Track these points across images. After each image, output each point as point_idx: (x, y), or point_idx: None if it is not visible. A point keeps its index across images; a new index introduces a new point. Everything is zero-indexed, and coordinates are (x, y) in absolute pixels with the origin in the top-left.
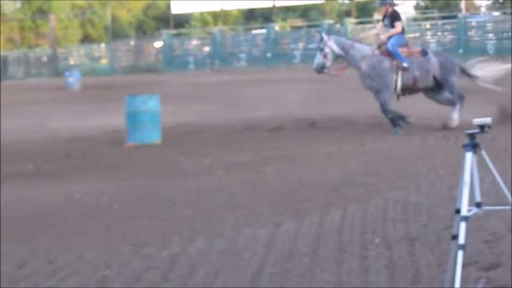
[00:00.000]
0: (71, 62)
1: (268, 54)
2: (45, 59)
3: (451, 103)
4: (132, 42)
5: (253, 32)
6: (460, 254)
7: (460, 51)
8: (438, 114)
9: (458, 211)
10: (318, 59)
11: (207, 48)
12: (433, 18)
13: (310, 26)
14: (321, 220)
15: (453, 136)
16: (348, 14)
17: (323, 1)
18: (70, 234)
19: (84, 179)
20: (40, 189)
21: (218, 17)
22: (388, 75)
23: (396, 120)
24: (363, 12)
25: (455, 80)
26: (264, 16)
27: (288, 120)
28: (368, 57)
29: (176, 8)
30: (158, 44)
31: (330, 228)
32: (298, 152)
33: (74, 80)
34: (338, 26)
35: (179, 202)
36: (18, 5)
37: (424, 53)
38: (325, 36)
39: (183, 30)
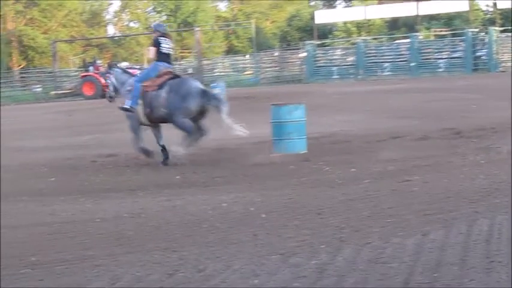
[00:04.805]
0: (216, 73)
1: (412, 64)
2: (190, 70)
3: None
4: (276, 53)
5: (397, 41)
6: None
7: None
8: None
9: None
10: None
11: (351, 58)
12: None
13: (454, 35)
14: (469, 229)
15: None
16: (492, 22)
17: (467, 9)
18: (218, 243)
19: (232, 188)
20: (188, 198)
21: (362, 26)
22: (129, 116)
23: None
24: (508, 21)
25: (181, 120)
26: (407, 25)
27: (434, 130)
28: (125, 95)
29: (320, 19)
30: (302, 54)
31: (478, 237)
32: (444, 161)
33: (219, 91)
34: (482, 34)
35: (326, 211)
36: (164, 17)
37: (161, 86)
38: (110, 69)
39: (326, 41)
